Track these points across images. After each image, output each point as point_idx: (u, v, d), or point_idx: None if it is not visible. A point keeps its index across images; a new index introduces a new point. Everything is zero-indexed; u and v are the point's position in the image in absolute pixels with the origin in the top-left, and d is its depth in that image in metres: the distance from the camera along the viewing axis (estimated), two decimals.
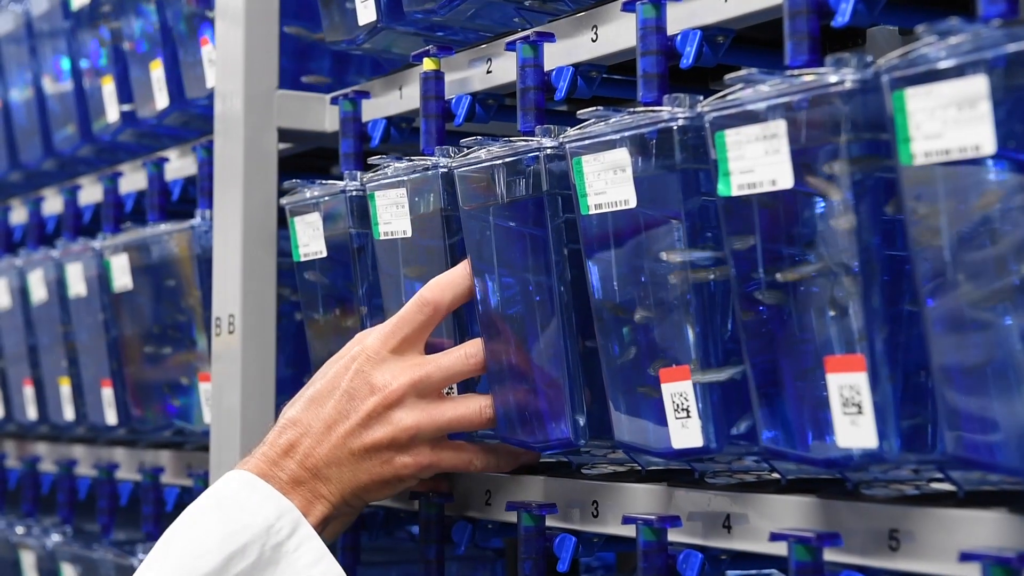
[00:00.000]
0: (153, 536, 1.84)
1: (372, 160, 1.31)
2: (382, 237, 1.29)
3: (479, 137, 1.20)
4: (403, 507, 1.36)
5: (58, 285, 1.96)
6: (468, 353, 1.20)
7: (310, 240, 1.40)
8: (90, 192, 2.05)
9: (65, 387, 1.98)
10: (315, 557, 1.15)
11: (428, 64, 1.32)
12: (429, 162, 1.24)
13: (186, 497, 1.82)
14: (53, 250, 2.00)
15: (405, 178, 1.26)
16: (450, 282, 1.21)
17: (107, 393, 1.85)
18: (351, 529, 1.38)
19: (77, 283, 1.90)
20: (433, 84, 1.32)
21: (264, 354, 1.50)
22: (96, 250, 1.85)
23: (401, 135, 1.46)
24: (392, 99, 1.44)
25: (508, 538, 1.56)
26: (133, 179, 1.94)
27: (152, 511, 1.84)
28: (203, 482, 1.68)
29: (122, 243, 1.79)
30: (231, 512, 1.16)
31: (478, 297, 1.21)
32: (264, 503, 1.16)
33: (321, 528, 1.18)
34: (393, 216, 1.27)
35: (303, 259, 1.42)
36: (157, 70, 1.80)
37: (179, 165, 1.83)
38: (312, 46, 1.71)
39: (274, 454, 1.18)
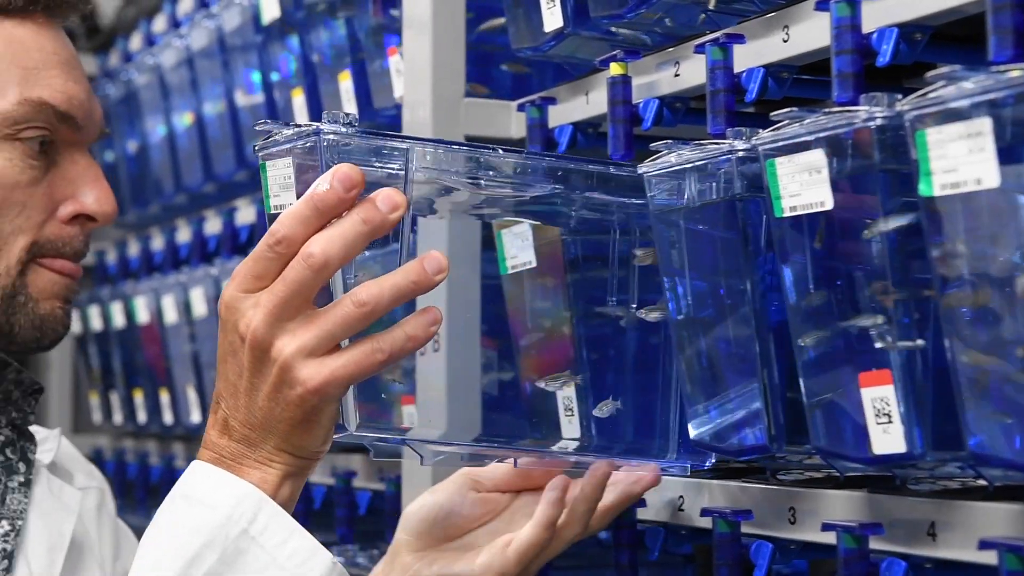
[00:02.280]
0: (347, 539, 1.87)
1: (257, 126, 1.19)
2: (273, 211, 1.15)
3: (668, 141, 1.19)
4: None
5: None
6: (306, 264, 1.05)
7: (518, 251, 1.39)
8: None
9: None
10: (285, 534, 1.08)
11: (615, 69, 1.32)
12: (313, 127, 1.11)
13: (377, 501, 1.85)
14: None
15: (291, 145, 1.13)
16: (298, 214, 1.06)
17: None
18: None
19: None
20: (620, 89, 1.32)
21: (470, 371, 1.49)
22: None
23: (588, 140, 1.46)
24: (578, 104, 1.44)
25: (698, 544, 1.55)
26: None
27: (345, 514, 1.87)
28: (395, 486, 1.71)
29: None
30: (188, 510, 1.09)
31: (670, 305, 1.20)
32: (217, 491, 1.08)
33: (289, 491, 1.10)
34: (282, 189, 1.15)
35: (511, 271, 1.41)
36: (346, 81, 1.84)
37: None
38: (495, 54, 1.72)
39: (215, 434, 1.10)
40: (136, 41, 2.72)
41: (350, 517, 1.88)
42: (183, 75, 2.39)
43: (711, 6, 1.28)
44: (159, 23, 2.59)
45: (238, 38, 2.17)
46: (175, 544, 1.07)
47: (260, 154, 1.15)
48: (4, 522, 1.27)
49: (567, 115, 1.46)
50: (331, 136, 1.10)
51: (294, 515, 1.11)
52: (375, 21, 1.77)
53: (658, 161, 1.19)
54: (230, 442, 1.08)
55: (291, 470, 1.09)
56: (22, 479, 1.30)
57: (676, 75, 1.31)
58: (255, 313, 1.05)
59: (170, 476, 2.46)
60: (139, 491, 2.61)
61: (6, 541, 1.26)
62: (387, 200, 1.06)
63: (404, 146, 1.13)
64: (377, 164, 1.12)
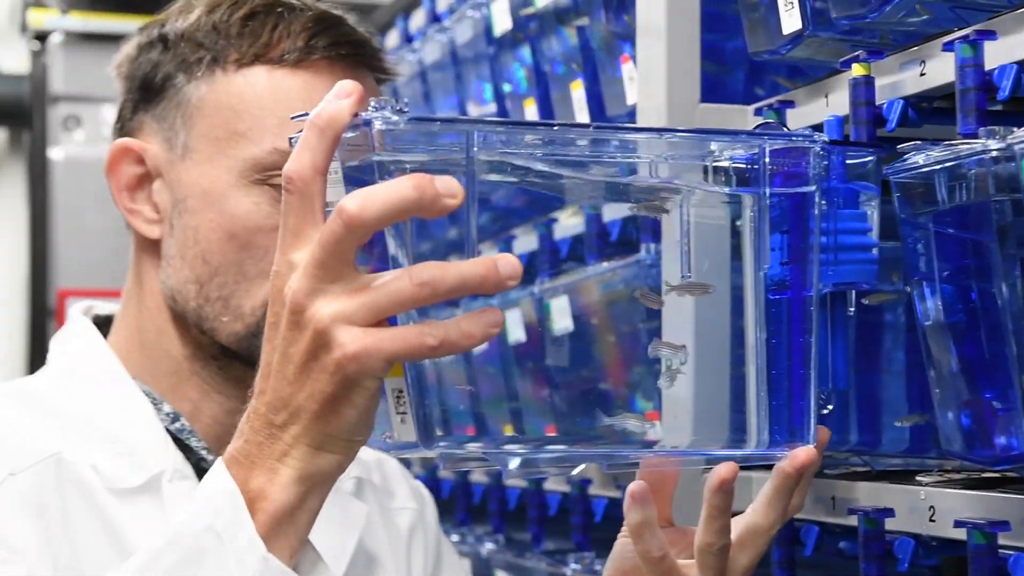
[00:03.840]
0: (583, 546, 1.88)
1: (292, 118, 1.05)
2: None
3: (917, 142, 1.16)
4: (839, 522, 1.34)
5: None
6: (339, 219, 0.95)
7: None
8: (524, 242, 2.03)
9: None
10: (249, 536, 0.97)
11: (858, 70, 1.29)
12: (360, 118, 0.98)
13: (613, 508, 1.85)
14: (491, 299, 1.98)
15: None
16: (302, 142, 0.97)
17: None
18: (786, 544, 1.37)
19: (516, 329, 1.89)
20: (863, 90, 1.29)
21: (719, 378, 1.46)
22: (535, 294, 1.85)
23: None
24: (818, 107, 1.42)
25: (947, 557, 1.51)
26: (565, 226, 1.92)
27: (581, 521, 1.88)
28: None
29: (562, 285, 1.80)
30: (178, 511, 1.03)
31: (917, 308, 1.17)
32: (203, 488, 1.00)
33: (298, 494, 0.98)
34: (330, 186, 1.02)
35: None
36: (578, 90, 1.84)
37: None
38: (727, 58, 1.71)
39: (242, 422, 1.00)
40: None
41: (586, 524, 1.88)
42: (416, 88, 2.43)
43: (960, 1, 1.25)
44: (392, 38, 2.65)
45: (470, 50, 2.20)
46: (144, 546, 1.01)
47: None
48: None
49: (806, 118, 1.43)
50: (381, 126, 0.98)
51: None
52: (607, 29, 1.77)
53: (906, 163, 1.16)
54: (251, 430, 0.99)
55: (308, 469, 0.97)
56: None
57: (922, 74, 1.27)
58: (295, 276, 0.95)
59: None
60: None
61: None
62: (446, 183, 0.94)
63: (463, 129, 1.01)
64: (444, 154, 1.01)
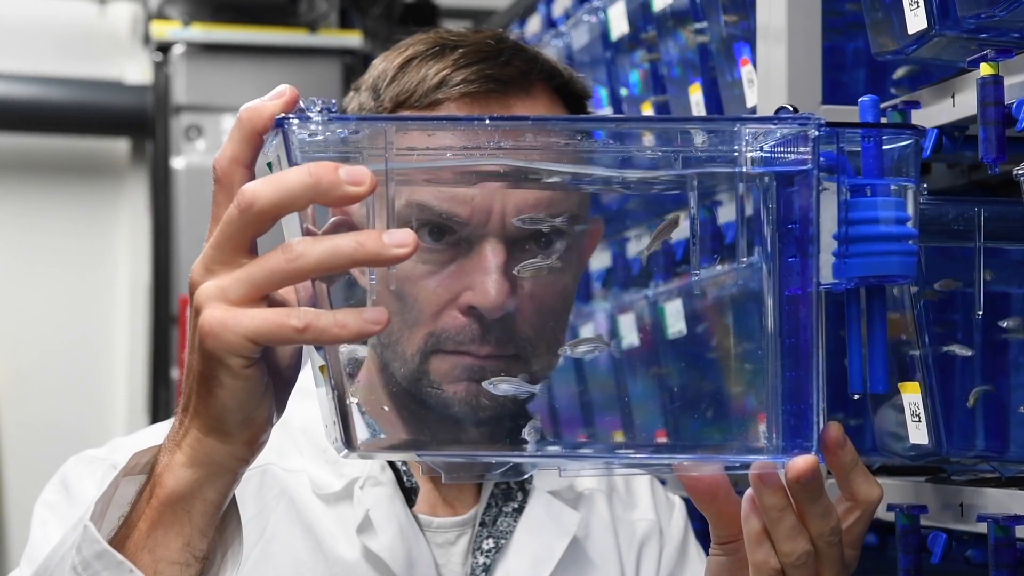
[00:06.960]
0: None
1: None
2: None
3: None
4: (968, 529, 1.32)
5: (610, 337, 1.91)
6: (235, 203, 0.94)
7: None
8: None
9: None
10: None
11: (986, 68, 1.27)
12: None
13: None
14: (604, 303, 2.00)
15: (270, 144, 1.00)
16: (229, 136, 0.98)
17: None
18: (913, 551, 1.35)
19: (630, 333, 1.89)
20: (992, 89, 1.27)
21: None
22: (649, 298, 1.84)
23: (954, 144, 1.42)
24: (944, 107, 1.40)
25: None
26: (681, 228, 1.90)
27: (699, 527, 1.86)
28: None
29: (676, 288, 1.80)
30: None
31: None
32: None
33: (192, 478, 0.98)
34: None
35: None
36: (696, 93, 1.83)
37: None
38: (847, 59, 1.69)
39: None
40: None
41: (704, 531, 1.86)
42: None
43: None
44: None
45: (586, 55, 2.20)
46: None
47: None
48: (491, 540, 1.37)
49: (931, 119, 1.41)
50: (295, 127, 0.97)
51: None
52: (725, 32, 1.76)
53: None
54: (175, 415, 1.01)
55: (197, 455, 0.98)
56: (516, 505, 1.40)
57: None
58: (198, 259, 0.97)
59: None
60: None
61: (487, 556, 1.36)
62: (351, 171, 0.92)
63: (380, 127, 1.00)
64: (370, 154, 1.00)
